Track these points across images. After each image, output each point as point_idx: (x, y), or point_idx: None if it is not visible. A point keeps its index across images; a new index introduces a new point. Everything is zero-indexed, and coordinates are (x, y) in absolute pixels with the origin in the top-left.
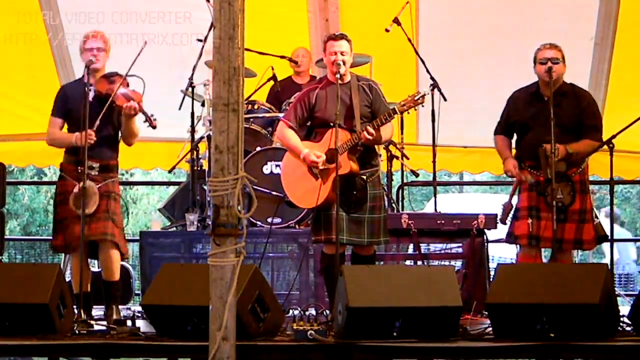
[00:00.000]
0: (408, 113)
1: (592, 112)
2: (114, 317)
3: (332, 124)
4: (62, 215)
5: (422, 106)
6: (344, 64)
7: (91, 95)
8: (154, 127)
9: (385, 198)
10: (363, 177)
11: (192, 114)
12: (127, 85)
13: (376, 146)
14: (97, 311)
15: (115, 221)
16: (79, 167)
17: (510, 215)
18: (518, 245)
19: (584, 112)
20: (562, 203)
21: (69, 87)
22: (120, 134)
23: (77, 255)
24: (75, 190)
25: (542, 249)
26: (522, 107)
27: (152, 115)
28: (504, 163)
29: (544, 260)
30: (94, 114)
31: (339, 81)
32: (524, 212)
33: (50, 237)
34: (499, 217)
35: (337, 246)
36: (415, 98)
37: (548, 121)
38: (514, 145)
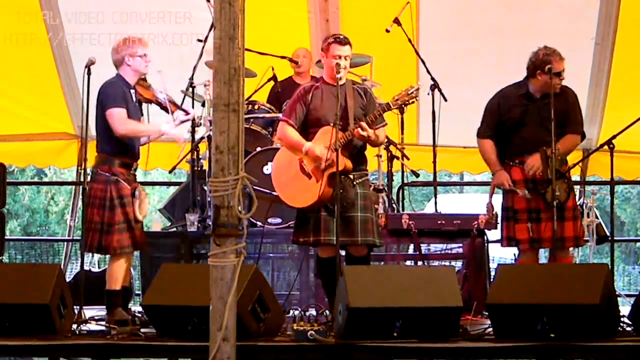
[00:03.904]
0: (405, 107)
1: (576, 107)
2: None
3: (326, 124)
4: (131, 217)
5: (417, 99)
6: (345, 68)
7: (134, 97)
8: (199, 125)
9: (382, 201)
10: (350, 176)
11: None
12: (151, 85)
13: (368, 151)
14: (97, 311)
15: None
16: (129, 170)
17: (494, 214)
18: (518, 249)
19: (570, 107)
20: (559, 200)
21: (121, 85)
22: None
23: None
24: (136, 195)
25: (539, 250)
26: (513, 106)
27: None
28: (495, 175)
29: (543, 260)
30: (137, 115)
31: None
32: (523, 215)
33: (51, 238)
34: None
35: (337, 246)
36: (409, 92)
37: (540, 119)
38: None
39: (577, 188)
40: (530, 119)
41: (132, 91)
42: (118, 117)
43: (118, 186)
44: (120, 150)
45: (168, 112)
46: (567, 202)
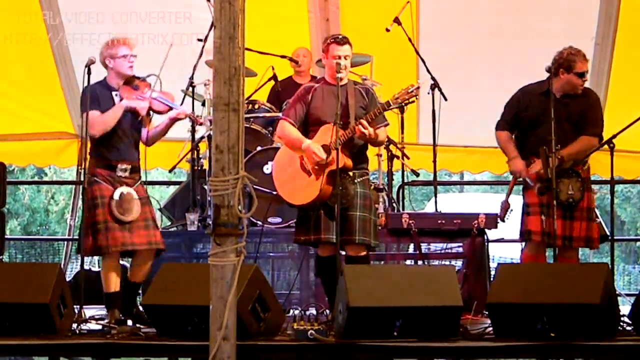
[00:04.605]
0: (405, 106)
1: (595, 109)
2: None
3: (327, 123)
4: (100, 219)
5: (417, 98)
6: (346, 68)
7: (117, 100)
8: (201, 124)
9: (382, 201)
10: (350, 174)
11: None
12: (150, 86)
13: (368, 150)
14: (97, 310)
15: (153, 226)
16: (113, 172)
17: (508, 214)
18: (525, 241)
19: (589, 109)
20: (572, 199)
21: (96, 88)
22: (144, 136)
23: (111, 258)
24: (116, 196)
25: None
26: (533, 104)
27: (196, 115)
28: (511, 162)
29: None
30: (122, 120)
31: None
32: (536, 208)
33: (51, 237)
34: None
35: (338, 245)
36: (409, 90)
37: (559, 119)
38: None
39: None
40: (548, 118)
41: (115, 93)
42: (90, 121)
43: (95, 187)
44: (100, 152)
45: (159, 113)
46: (580, 201)
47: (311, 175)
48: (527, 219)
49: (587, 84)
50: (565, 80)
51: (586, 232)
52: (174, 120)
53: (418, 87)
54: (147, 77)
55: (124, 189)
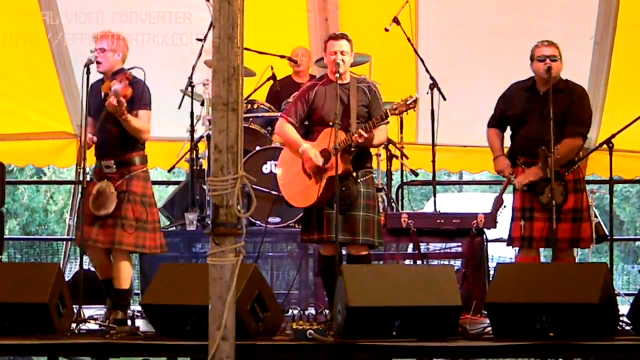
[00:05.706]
0: (400, 115)
1: (579, 105)
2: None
3: (329, 123)
4: (84, 215)
5: (414, 110)
6: (344, 63)
7: (103, 94)
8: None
9: (381, 200)
10: (353, 174)
11: (192, 113)
12: (127, 80)
13: (372, 149)
14: (97, 310)
15: (125, 225)
16: (100, 168)
17: (501, 210)
18: (516, 247)
19: (572, 104)
20: (555, 202)
21: (93, 87)
22: None
23: (94, 252)
24: (94, 191)
25: (541, 249)
26: (517, 101)
27: (126, 107)
28: (495, 161)
29: (543, 260)
30: (96, 117)
31: (338, 80)
32: (518, 213)
33: (50, 237)
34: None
35: (338, 246)
36: (408, 102)
37: (542, 116)
38: (507, 141)
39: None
40: (532, 115)
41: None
42: None
43: (88, 183)
44: (95, 150)
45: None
46: (564, 204)
47: (312, 178)
48: (511, 225)
49: (585, 84)
50: (535, 71)
51: (570, 233)
52: (114, 113)
53: (416, 100)
54: (131, 69)
55: (100, 184)
